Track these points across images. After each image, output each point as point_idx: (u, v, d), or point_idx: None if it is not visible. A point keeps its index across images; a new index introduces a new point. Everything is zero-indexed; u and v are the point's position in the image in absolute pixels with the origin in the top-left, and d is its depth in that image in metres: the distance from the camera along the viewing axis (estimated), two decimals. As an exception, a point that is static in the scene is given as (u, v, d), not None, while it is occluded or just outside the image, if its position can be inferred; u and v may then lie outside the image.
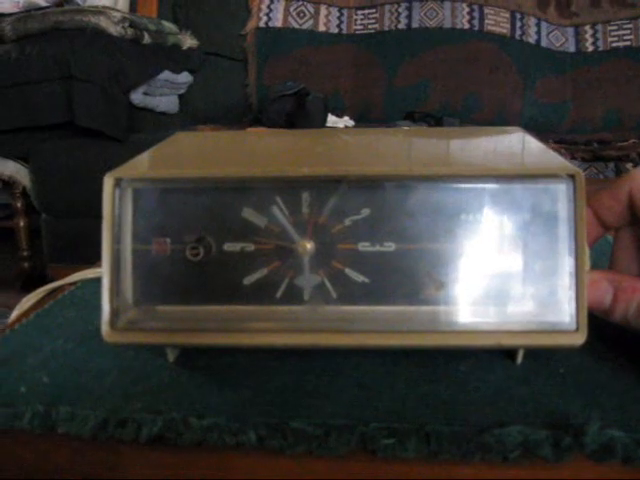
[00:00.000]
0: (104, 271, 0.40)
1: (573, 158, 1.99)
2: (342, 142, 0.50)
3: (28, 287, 2.32)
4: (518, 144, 0.47)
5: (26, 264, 2.28)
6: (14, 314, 0.57)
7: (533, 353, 0.43)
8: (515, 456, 0.33)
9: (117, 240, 0.40)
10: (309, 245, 0.39)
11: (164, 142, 0.51)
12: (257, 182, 0.40)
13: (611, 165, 1.96)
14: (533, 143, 0.47)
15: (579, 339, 0.39)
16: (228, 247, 0.40)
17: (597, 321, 0.43)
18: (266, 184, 0.40)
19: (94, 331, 0.47)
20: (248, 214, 0.40)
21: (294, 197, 0.39)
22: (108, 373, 0.42)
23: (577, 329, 0.39)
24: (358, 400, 0.38)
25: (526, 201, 0.39)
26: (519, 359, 0.42)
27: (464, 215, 0.39)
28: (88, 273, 0.60)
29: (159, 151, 0.47)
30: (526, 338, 0.39)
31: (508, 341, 0.39)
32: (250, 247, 0.40)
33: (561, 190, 0.39)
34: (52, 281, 0.61)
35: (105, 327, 0.40)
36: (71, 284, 0.60)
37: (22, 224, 2.24)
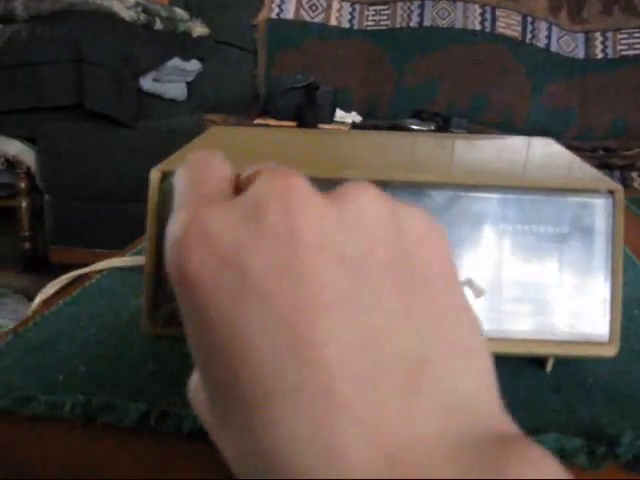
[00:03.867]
0: (146, 263, 0.41)
1: (579, 164, 2.00)
2: (382, 146, 0.51)
3: (29, 268, 2.31)
4: (555, 156, 0.47)
5: (27, 245, 2.28)
6: (37, 299, 0.57)
7: (562, 361, 0.44)
8: (551, 464, 0.34)
9: (160, 232, 0.41)
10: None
11: (201, 136, 0.51)
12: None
13: (617, 174, 1.97)
14: (569, 156, 0.48)
15: (612, 351, 0.40)
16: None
17: (624, 332, 0.44)
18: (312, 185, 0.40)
19: (127, 321, 0.48)
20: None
21: (338, 199, 0.40)
22: (144, 364, 0.42)
23: (610, 341, 0.40)
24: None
25: (565, 214, 0.40)
26: (549, 367, 0.43)
27: (504, 225, 0.40)
28: (115, 262, 0.60)
29: (200, 145, 0.48)
30: (560, 348, 0.40)
31: (542, 350, 0.40)
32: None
33: (600, 205, 0.40)
34: (53, 263, 0.62)
35: (144, 319, 0.41)
36: (96, 272, 0.60)
37: (24, 204, 2.24)
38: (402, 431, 0.20)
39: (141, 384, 0.40)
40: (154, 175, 0.41)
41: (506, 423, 0.22)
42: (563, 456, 0.34)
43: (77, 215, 2.07)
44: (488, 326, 0.40)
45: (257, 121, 2.11)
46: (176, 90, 2.37)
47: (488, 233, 0.40)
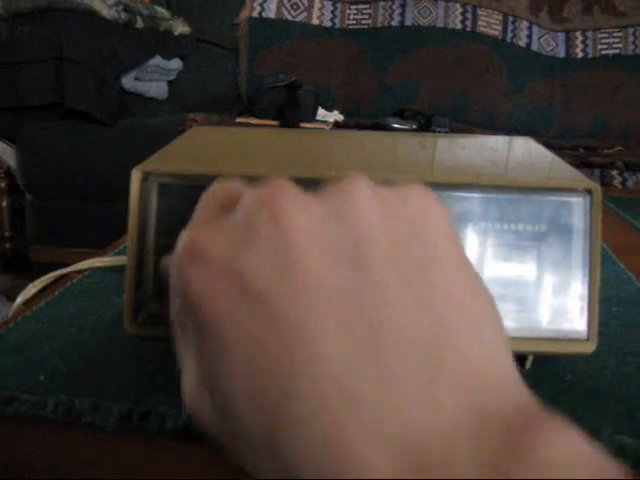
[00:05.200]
0: (127, 263, 0.41)
1: (560, 163, 2.01)
2: (365, 145, 0.51)
3: (9, 268, 2.30)
4: (534, 155, 0.48)
5: (8, 245, 2.26)
6: (19, 300, 0.57)
7: (540, 359, 0.44)
8: (530, 460, 0.34)
9: (141, 233, 0.41)
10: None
11: (183, 137, 0.51)
12: (283, 182, 0.40)
13: (597, 172, 1.99)
14: (548, 154, 0.48)
15: (590, 347, 0.40)
16: (251, 245, 0.41)
17: (601, 329, 0.45)
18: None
19: (109, 321, 0.48)
20: (272, 213, 0.41)
21: (318, 199, 0.40)
22: (126, 363, 0.42)
23: (588, 338, 0.40)
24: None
25: (544, 213, 0.40)
26: (528, 364, 0.43)
27: (482, 223, 0.40)
28: (96, 261, 0.60)
29: (181, 146, 0.48)
30: (539, 345, 0.40)
31: (521, 347, 0.40)
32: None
33: (578, 204, 0.40)
34: (34, 262, 0.62)
35: (127, 319, 0.41)
36: (78, 272, 0.60)
37: (4, 204, 2.23)
38: (420, 420, 0.20)
39: (123, 384, 0.40)
40: (135, 175, 0.41)
41: (524, 396, 0.22)
42: (542, 452, 0.35)
43: (58, 215, 2.06)
44: (468, 324, 0.40)
45: (239, 120, 2.11)
46: (158, 89, 2.36)
47: (468, 232, 0.40)
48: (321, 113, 2.23)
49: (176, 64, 2.45)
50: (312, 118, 2.15)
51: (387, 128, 2.08)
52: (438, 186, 0.39)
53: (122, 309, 0.41)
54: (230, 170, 0.41)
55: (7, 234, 2.26)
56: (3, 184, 2.20)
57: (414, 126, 2.14)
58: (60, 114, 2.05)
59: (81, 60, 2.03)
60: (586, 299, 0.40)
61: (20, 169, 2.06)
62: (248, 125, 2.01)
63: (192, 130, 0.55)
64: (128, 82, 2.16)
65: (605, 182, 1.96)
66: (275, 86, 2.12)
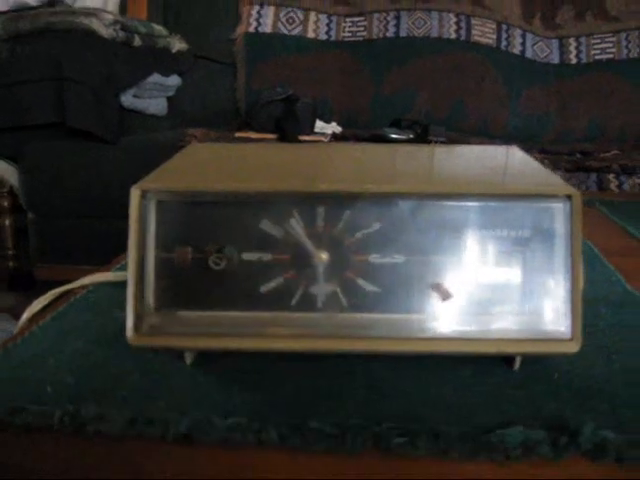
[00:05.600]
0: (129, 277, 0.43)
1: (556, 168, 2.03)
2: (354, 158, 0.53)
3: (15, 287, 2.32)
4: (518, 163, 0.50)
5: (12, 263, 2.28)
6: (25, 316, 0.59)
7: (529, 360, 0.46)
8: (516, 454, 0.36)
9: (141, 248, 0.43)
10: (324, 256, 0.42)
11: (181, 153, 0.53)
12: (276, 196, 0.42)
13: (593, 176, 2.00)
14: (532, 162, 0.50)
15: (574, 347, 0.42)
16: (247, 256, 0.43)
17: (589, 329, 0.47)
18: (284, 198, 0.42)
19: (112, 334, 0.50)
20: (266, 226, 0.42)
21: (310, 211, 0.42)
22: (130, 374, 0.44)
23: (572, 338, 0.42)
24: (370, 401, 0.40)
25: (526, 218, 0.42)
26: (517, 365, 0.45)
27: (469, 230, 0.42)
28: (99, 277, 0.62)
29: (178, 163, 0.50)
30: (525, 346, 0.42)
31: (508, 348, 0.42)
32: (268, 257, 0.43)
33: (559, 209, 0.42)
34: (39, 280, 0.63)
35: (129, 331, 0.42)
36: (82, 287, 0.62)
37: (7, 223, 2.24)
38: None
39: (127, 394, 0.42)
40: (134, 193, 0.43)
41: None
42: (527, 447, 0.36)
43: (61, 232, 2.08)
44: (456, 328, 0.42)
45: (238, 134, 2.13)
46: (157, 105, 2.38)
47: (454, 238, 0.42)
48: (319, 125, 2.25)
49: (175, 80, 2.47)
50: (310, 130, 2.17)
51: (385, 138, 2.09)
52: (424, 197, 0.41)
53: (125, 322, 0.43)
54: (226, 187, 0.43)
55: (10, 252, 2.27)
56: (6, 203, 2.22)
57: (411, 136, 2.16)
58: (61, 133, 2.07)
59: (80, 79, 2.06)
60: (569, 301, 0.42)
61: (22, 188, 2.08)
62: (247, 139, 2.03)
63: (190, 147, 0.56)
64: (127, 100, 2.18)
65: (602, 186, 1.97)
66: (273, 100, 2.14)
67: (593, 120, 2.56)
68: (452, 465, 0.36)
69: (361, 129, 2.39)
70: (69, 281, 0.62)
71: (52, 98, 2.03)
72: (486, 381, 0.44)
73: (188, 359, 0.45)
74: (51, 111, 2.04)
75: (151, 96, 2.35)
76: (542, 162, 2.03)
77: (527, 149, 2.08)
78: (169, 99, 2.49)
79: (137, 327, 0.43)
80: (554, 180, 0.44)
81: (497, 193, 0.42)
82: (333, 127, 2.29)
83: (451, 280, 0.42)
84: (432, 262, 0.42)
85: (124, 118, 2.19)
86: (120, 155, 2.02)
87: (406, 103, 2.55)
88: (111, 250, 0.87)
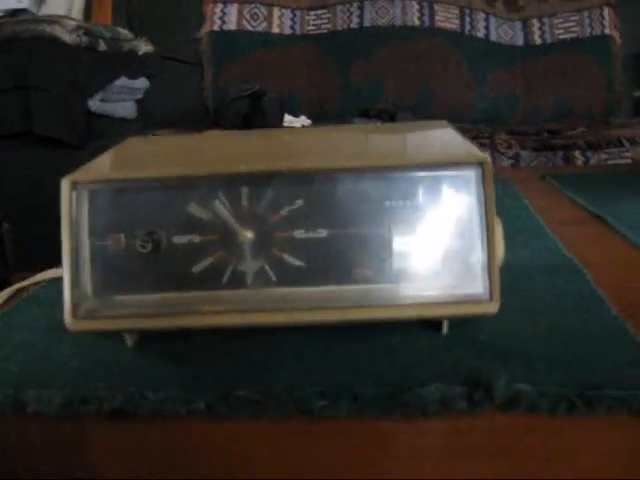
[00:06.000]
0: (64, 266, 0.44)
1: (523, 148, 2.06)
2: (278, 141, 0.55)
3: (-7, 296, 2.31)
4: (439, 137, 0.52)
5: (-11, 273, 2.29)
6: (-19, 314, 0.60)
7: (458, 324, 0.47)
8: (433, 410, 0.38)
9: (75, 237, 0.44)
10: (250, 235, 0.44)
11: (117, 147, 0.55)
12: (200, 180, 0.44)
13: (560, 154, 2.03)
14: (452, 135, 0.52)
15: (493, 307, 0.44)
16: (177, 239, 0.45)
17: (521, 294, 0.49)
18: (208, 181, 0.44)
19: (58, 324, 0.51)
20: (193, 209, 0.44)
21: (234, 192, 0.44)
22: (72, 359, 0.46)
23: (491, 299, 0.44)
24: (297, 371, 0.42)
25: (442, 187, 0.44)
26: (444, 329, 0.47)
27: (387, 202, 0.44)
28: (51, 273, 0.63)
29: (112, 155, 0.51)
30: (446, 309, 0.44)
31: (430, 312, 0.44)
32: (196, 238, 0.44)
33: (471, 176, 0.44)
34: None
35: (67, 317, 0.44)
36: (35, 284, 0.63)
37: (-16, 234, 2.25)
38: None
39: (68, 377, 0.43)
40: (65, 184, 0.44)
41: None
42: (444, 403, 0.38)
43: (36, 240, 2.09)
44: (379, 296, 0.44)
45: (206, 133, 2.14)
46: (125, 109, 2.39)
47: (373, 211, 0.44)
48: (288, 119, 2.27)
49: (142, 83, 2.48)
50: (279, 124, 2.19)
51: (353, 128, 2.11)
52: (340, 172, 0.43)
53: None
54: (152, 173, 0.44)
55: (-13, 263, 2.28)
56: (-20, 214, 2.23)
57: (378, 124, 2.18)
58: (30, 141, 2.07)
59: (46, 87, 2.06)
60: (486, 263, 0.44)
61: (-5, 198, 2.08)
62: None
63: (127, 141, 0.58)
64: (95, 104, 2.18)
65: (568, 162, 2.00)
66: (239, 96, 2.15)
67: (559, 99, 2.59)
68: (370, 423, 0.38)
69: (330, 121, 2.40)
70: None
71: (18, 107, 2.04)
72: (412, 346, 0.45)
73: (129, 341, 0.47)
74: (18, 120, 2.05)
75: (119, 99, 2.36)
76: (509, 143, 2.06)
77: (495, 131, 2.10)
78: (138, 102, 2.50)
79: (75, 312, 0.44)
80: (468, 149, 0.46)
81: (411, 164, 0.44)
82: (302, 120, 2.31)
83: (372, 251, 0.44)
84: (354, 235, 0.44)
85: (93, 123, 2.20)
86: (89, 159, 2.03)
87: (374, 92, 2.57)
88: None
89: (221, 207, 0.44)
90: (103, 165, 0.48)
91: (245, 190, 0.44)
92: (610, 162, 1.98)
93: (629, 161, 1.99)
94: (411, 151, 0.47)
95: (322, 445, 0.37)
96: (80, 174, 0.45)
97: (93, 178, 0.45)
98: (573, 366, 0.42)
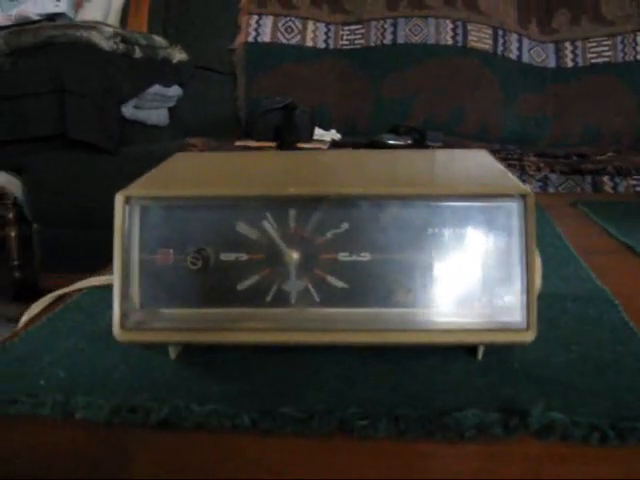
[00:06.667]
0: (115, 277, 0.46)
1: (552, 171, 2.05)
2: (323, 163, 0.56)
3: (20, 297, 2.36)
4: (481, 166, 0.53)
5: (17, 274, 2.31)
6: (24, 318, 0.62)
7: (492, 350, 0.49)
8: (470, 434, 0.39)
9: (126, 251, 0.46)
10: (295, 255, 0.45)
11: (166, 162, 0.57)
12: (250, 200, 0.45)
13: (588, 178, 2.03)
14: (494, 165, 0.53)
15: (529, 336, 0.45)
16: (224, 257, 0.46)
17: (553, 322, 0.50)
18: (258, 202, 0.45)
19: (102, 332, 0.53)
20: (242, 228, 0.46)
21: (282, 213, 0.45)
22: (117, 368, 0.47)
23: (527, 328, 0.45)
24: (338, 390, 0.44)
25: (484, 217, 0.45)
26: (480, 355, 0.48)
27: (430, 229, 0.45)
28: (93, 281, 0.65)
29: (162, 171, 0.53)
30: (483, 336, 0.45)
31: (467, 338, 0.45)
32: (243, 257, 0.46)
33: (514, 208, 0.45)
34: (43, 290, 0.67)
35: (116, 327, 0.46)
36: (76, 291, 0.65)
37: (13, 234, 2.28)
38: None
39: (114, 385, 0.45)
40: (119, 199, 0.46)
41: None
42: (481, 428, 0.39)
43: (65, 242, 2.12)
44: (420, 320, 0.45)
45: (238, 143, 2.16)
46: (158, 116, 2.42)
47: (416, 237, 0.45)
48: (318, 132, 2.29)
49: (175, 91, 2.51)
50: (309, 138, 2.20)
51: (383, 145, 2.12)
52: (386, 198, 0.45)
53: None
54: (203, 192, 0.46)
55: (16, 263, 2.31)
56: (11, 215, 2.26)
57: (409, 141, 2.19)
58: (63, 145, 2.11)
59: (82, 91, 2.09)
60: (524, 293, 0.45)
61: (26, 200, 2.12)
62: (246, 148, 2.06)
63: (175, 156, 0.60)
64: (128, 111, 2.21)
65: (597, 188, 2.00)
66: (271, 108, 2.17)
67: (589, 123, 2.58)
68: (410, 445, 0.39)
69: (360, 136, 2.42)
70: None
71: (54, 110, 2.07)
72: (449, 370, 0.47)
73: (172, 354, 0.49)
74: (53, 123, 2.08)
75: (152, 107, 2.39)
76: (537, 165, 2.07)
77: (524, 153, 2.11)
78: (170, 109, 2.53)
79: (123, 324, 0.46)
80: (511, 181, 0.47)
81: (455, 194, 0.45)
82: (332, 134, 2.33)
83: (414, 276, 0.45)
84: (396, 260, 0.45)
85: (126, 129, 2.23)
86: (121, 165, 2.06)
87: (404, 109, 2.58)
88: (112, 258, 0.91)
89: (269, 227, 0.45)
90: (155, 181, 0.50)
91: (293, 212, 0.45)
92: (639, 189, 1.98)
93: (657, 188, 1.99)
94: (455, 181, 0.48)
95: (362, 464, 0.38)
96: (133, 189, 0.47)
97: (146, 194, 0.46)
98: (606, 397, 0.43)
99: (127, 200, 0.46)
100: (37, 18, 2.57)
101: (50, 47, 2.22)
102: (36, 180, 2.11)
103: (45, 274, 2.14)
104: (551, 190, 2.00)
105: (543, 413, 0.40)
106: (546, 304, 0.52)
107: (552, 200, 1.17)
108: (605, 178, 2.03)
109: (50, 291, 0.67)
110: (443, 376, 0.46)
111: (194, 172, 0.55)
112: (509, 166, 1.98)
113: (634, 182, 2.01)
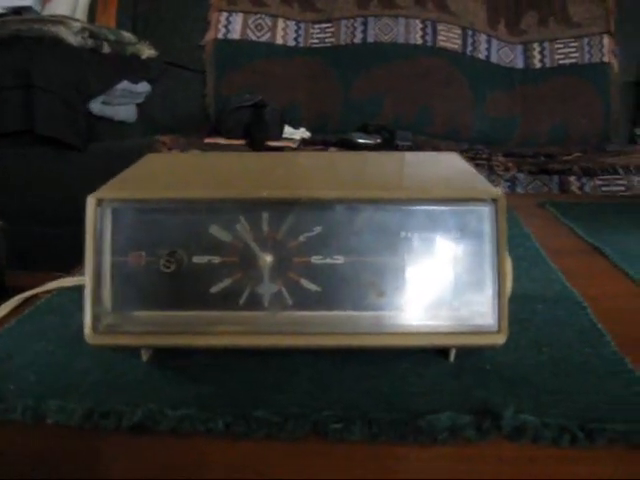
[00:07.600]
0: (87, 280, 0.45)
1: (520, 171, 2.07)
2: (297, 166, 0.56)
3: (-14, 294, 2.32)
4: (452, 169, 0.53)
5: (-17, 271, 2.28)
6: (-8, 320, 0.61)
7: (465, 352, 0.49)
8: (443, 437, 0.39)
9: (98, 253, 0.46)
10: (268, 258, 0.45)
11: (137, 163, 0.56)
12: (223, 203, 0.45)
13: (555, 178, 2.05)
14: (466, 168, 0.53)
15: (501, 339, 0.46)
16: (197, 259, 0.46)
17: (524, 324, 0.50)
18: (231, 205, 0.45)
19: (74, 334, 0.52)
20: (215, 231, 0.46)
21: (255, 216, 0.45)
22: (89, 372, 0.47)
23: (499, 331, 0.45)
24: (311, 393, 0.44)
25: (456, 221, 0.46)
26: (452, 357, 0.48)
27: (403, 233, 0.46)
28: (64, 282, 0.64)
29: (134, 172, 0.53)
30: (455, 338, 0.46)
31: (439, 341, 0.46)
32: (216, 260, 0.46)
33: (485, 212, 0.45)
34: (10, 288, 0.66)
35: (87, 330, 0.45)
36: (46, 292, 0.64)
37: (-21, 231, 2.25)
38: None
39: (86, 389, 0.44)
40: (90, 202, 0.46)
41: None
42: (454, 431, 0.40)
43: (31, 239, 2.09)
44: (392, 323, 0.46)
45: (207, 140, 2.15)
46: (126, 112, 2.40)
47: (389, 240, 0.46)
48: (288, 131, 2.28)
49: (144, 87, 2.49)
50: (279, 136, 2.20)
51: (352, 143, 2.13)
52: (359, 202, 0.45)
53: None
54: (176, 195, 0.46)
55: (-19, 261, 2.28)
56: (-25, 212, 2.23)
57: (378, 140, 2.20)
58: (30, 141, 2.08)
59: (49, 87, 2.07)
60: (496, 296, 0.45)
61: (-8, 196, 2.09)
62: (216, 145, 2.06)
63: (146, 157, 0.59)
64: (96, 107, 2.19)
65: (564, 188, 2.02)
66: (241, 106, 2.17)
67: (556, 124, 2.61)
68: (384, 448, 0.39)
69: (330, 134, 2.42)
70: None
71: (20, 106, 2.04)
72: (422, 373, 0.47)
73: (144, 356, 0.48)
74: (20, 119, 2.05)
75: (120, 103, 2.37)
76: (506, 165, 2.08)
77: (493, 152, 2.12)
78: (139, 106, 2.51)
79: (94, 327, 0.46)
80: (483, 185, 0.48)
81: (427, 198, 0.45)
82: (302, 132, 2.33)
83: (386, 279, 0.46)
84: (369, 263, 0.46)
85: (93, 125, 2.20)
86: (89, 162, 2.04)
87: (374, 108, 2.59)
88: (80, 256, 0.90)
89: (242, 230, 0.45)
90: (127, 183, 0.50)
91: (266, 215, 0.45)
92: (604, 189, 2.00)
93: (623, 189, 2.01)
94: (428, 184, 0.48)
95: (336, 467, 0.38)
96: (105, 192, 0.46)
97: (117, 197, 0.46)
98: (575, 398, 0.44)
99: (99, 202, 0.46)
100: (2, 11, 2.53)
101: (16, 41, 2.19)
102: (2, 176, 2.08)
103: (11, 272, 2.11)
104: (519, 190, 2.02)
105: (515, 415, 0.40)
106: (516, 306, 0.52)
107: (521, 200, 1.18)
108: (572, 178, 2.06)
109: (17, 288, 0.67)
110: (416, 379, 0.46)
111: (166, 174, 0.54)
112: (477, 166, 2.00)
113: (600, 182, 2.04)
